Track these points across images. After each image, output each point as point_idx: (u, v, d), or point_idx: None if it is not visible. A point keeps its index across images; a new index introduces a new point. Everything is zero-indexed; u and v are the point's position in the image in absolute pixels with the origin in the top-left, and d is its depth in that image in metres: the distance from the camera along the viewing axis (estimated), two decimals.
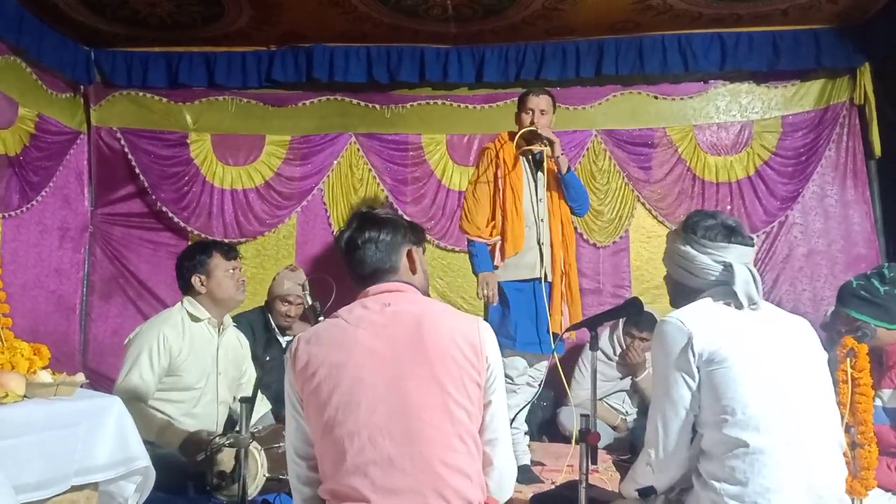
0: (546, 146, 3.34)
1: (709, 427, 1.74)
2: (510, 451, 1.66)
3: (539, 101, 3.40)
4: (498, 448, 1.62)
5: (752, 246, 1.90)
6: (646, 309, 4.08)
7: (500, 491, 1.64)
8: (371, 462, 1.48)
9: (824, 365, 1.84)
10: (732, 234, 1.86)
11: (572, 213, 3.48)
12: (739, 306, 1.81)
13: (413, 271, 1.73)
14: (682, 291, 1.94)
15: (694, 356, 1.73)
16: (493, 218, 3.37)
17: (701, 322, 1.77)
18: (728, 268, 1.82)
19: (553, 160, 3.36)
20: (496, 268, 3.32)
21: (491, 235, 3.35)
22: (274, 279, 3.81)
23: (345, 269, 1.74)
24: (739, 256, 1.85)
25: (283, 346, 3.68)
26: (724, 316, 1.80)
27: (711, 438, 1.73)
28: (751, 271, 1.83)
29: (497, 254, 3.33)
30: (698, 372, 1.74)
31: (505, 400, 1.66)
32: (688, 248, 1.87)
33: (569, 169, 3.39)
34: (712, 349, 1.72)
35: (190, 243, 4.49)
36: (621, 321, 4.07)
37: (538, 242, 3.32)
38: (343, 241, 1.70)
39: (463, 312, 1.68)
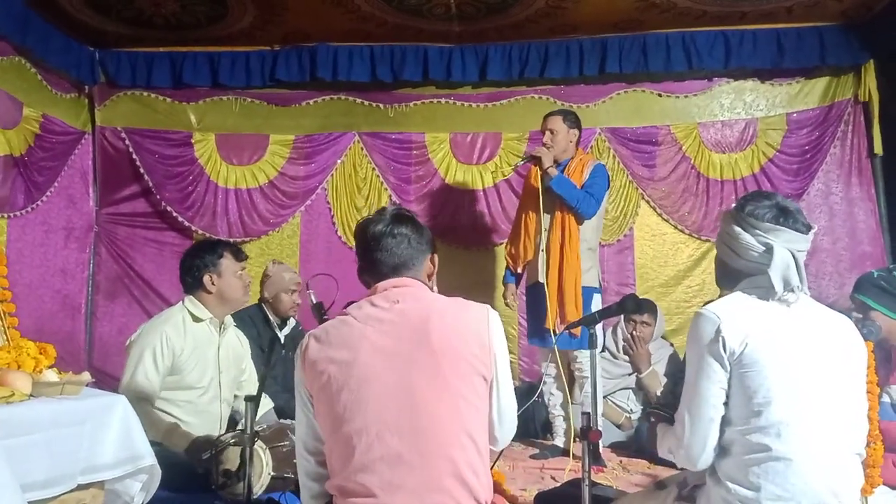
0: (529, 161, 3.78)
1: (730, 425, 1.70)
2: (512, 394, 1.65)
3: (547, 122, 3.78)
4: (499, 389, 1.61)
5: (806, 233, 1.74)
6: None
7: (499, 425, 1.63)
8: (379, 459, 1.48)
9: (861, 368, 1.77)
10: (784, 216, 1.73)
11: (578, 217, 3.63)
12: (774, 296, 1.71)
13: (429, 277, 1.76)
14: (724, 271, 1.87)
15: (725, 350, 1.67)
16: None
17: (735, 318, 1.69)
18: (769, 250, 1.71)
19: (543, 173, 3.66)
20: (517, 275, 3.89)
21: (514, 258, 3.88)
22: (269, 276, 3.77)
23: (351, 266, 1.73)
24: (788, 241, 1.71)
25: (282, 340, 3.72)
26: (759, 314, 1.71)
27: (732, 438, 1.69)
28: (794, 256, 1.71)
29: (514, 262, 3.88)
30: (730, 368, 1.68)
31: (509, 373, 1.65)
32: (733, 226, 1.78)
33: (554, 179, 3.61)
34: (745, 350, 1.66)
35: (195, 242, 4.49)
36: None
37: (540, 250, 3.69)
38: (374, 229, 1.67)
39: (471, 302, 1.66)
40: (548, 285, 3.60)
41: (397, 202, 4.82)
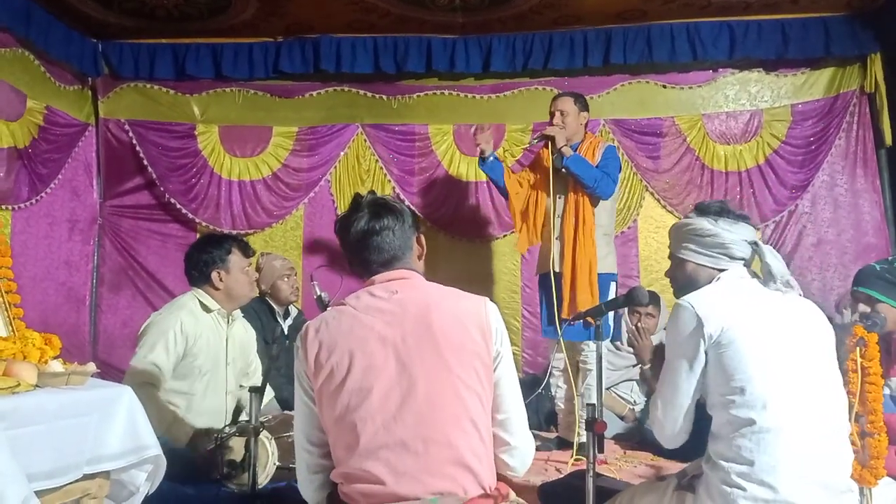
0: (541, 141, 3.64)
1: (717, 408, 1.76)
2: (525, 426, 1.67)
3: (556, 104, 3.69)
4: (512, 427, 1.63)
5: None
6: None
7: (522, 467, 1.67)
8: (384, 446, 1.49)
9: (832, 347, 1.85)
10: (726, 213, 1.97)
11: (595, 198, 3.53)
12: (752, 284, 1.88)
13: (420, 257, 1.76)
14: (698, 276, 1.97)
15: (704, 342, 1.75)
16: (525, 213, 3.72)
17: (713, 306, 1.78)
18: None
19: (554, 155, 3.55)
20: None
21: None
22: (262, 270, 3.81)
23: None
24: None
25: (286, 331, 3.73)
26: (735, 295, 1.83)
27: (720, 419, 1.76)
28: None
29: (519, 241, 3.77)
30: (706, 356, 1.76)
31: (515, 379, 1.67)
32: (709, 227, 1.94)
33: (570, 157, 3.49)
34: (722, 331, 1.74)
35: (200, 235, 4.49)
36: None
37: (553, 237, 3.56)
38: (357, 228, 1.66)
39: (468, 293, 1.67)
40: (563, 275, 3.50)
41: (400, 194, 4.81)
